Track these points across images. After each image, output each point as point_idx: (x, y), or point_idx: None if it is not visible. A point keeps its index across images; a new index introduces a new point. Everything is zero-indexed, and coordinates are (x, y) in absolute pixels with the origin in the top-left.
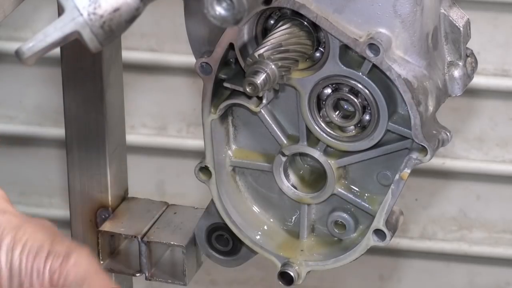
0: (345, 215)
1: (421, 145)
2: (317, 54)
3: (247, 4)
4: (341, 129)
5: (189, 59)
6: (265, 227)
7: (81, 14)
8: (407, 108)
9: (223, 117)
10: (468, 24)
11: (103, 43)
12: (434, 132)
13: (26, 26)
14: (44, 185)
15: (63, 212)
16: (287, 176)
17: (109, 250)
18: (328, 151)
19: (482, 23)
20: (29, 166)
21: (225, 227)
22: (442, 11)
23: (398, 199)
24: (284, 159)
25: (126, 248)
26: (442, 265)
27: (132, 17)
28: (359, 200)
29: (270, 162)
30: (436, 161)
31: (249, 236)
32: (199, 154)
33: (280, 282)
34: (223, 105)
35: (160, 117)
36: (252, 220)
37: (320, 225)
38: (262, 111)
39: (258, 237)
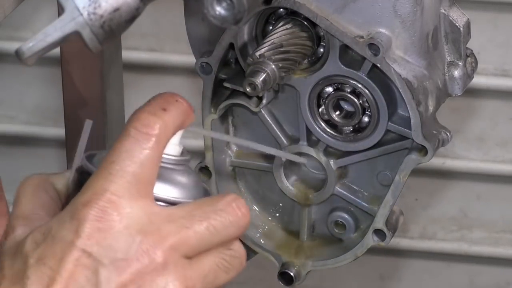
0: (345, 215)
1: (421, 145)
2: (317, 54)
3: (247, 4)
4: (338, 128)
5: (189, 59)
6: (265, 227)
7: (81, 14)
8: (407, 108)
9: (223, 117)
10: (468, 24)
11: (103, 43)
12: (434, 132)
13: (26, 26)
14: None
15: None
16: (287, 176)
17: None
18: (328, 151)
19: (482, 23)
20: (29, 166)
21: None
22: (442, 11)
23: (398, 199)
24: (284, 159)
25: None
26: (442, 265)
27: (132, 17)
28: (359, 200)
29: (270, 162)
30: (436, 161)
31: (249, 236)
32: (199, 154)
33: (280, 282)
34: (223, 105)
35: None
36: (252, 220)
37: (320, 225)
38: (262, 111)
39: (258, 237)
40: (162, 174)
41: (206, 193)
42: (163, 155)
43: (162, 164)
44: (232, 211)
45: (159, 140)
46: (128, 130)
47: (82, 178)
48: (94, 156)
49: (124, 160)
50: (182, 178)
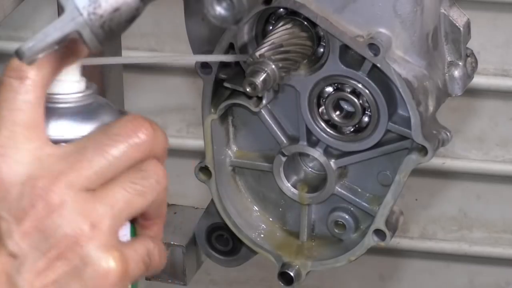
0: (345, 215)
1: (421, 145)
2: (317, 54)
3: (247, 4)
4: (338, 128)
5: None
6: (265, 227)
7: (81, 14)
8: (407, 108)
9: (223, 117)
10: (468, 24)
11: (103, 43)
12: (434, 132)
13: (26, 26)
14: None
15: None
16: (287, 176)
17: None
18: (328, 151)
19: (482, 23)
20: None
21: (225, 227)
22: (442, 11)
23: (398, 199)
24: (284, 159)
25: None
26: (442, 265)
27: (132, 17)
28: (359, 200)
29: (270, 162)
30: (436, 161)
31: (249, 236)
32: (199, 154)
33: (280, 282)
34: (223, 105)
35: (160, 117)
36: (252, 220)
37: (320, 225)
38: (262, 111)
39: (258, 237)
40: (57, 114)
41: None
42: (57, 95)
43: (56, 105)
44: (129, 132)
45: (35, 81)
46: (2, 80)
47: None
48: None
49: (2, 110)
50: (82, 115)
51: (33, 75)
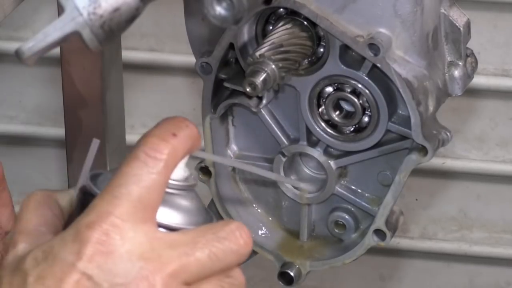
0: (345, 215)
1: (421, 145)
2: (317, 54)
3: (247, 4)
4: (338, 128)
5: (189, 59)
6: (265, 227)
7: (81, 14)
8: (407, 108)
9: (223, 117)
10: (468, 24)
11: (103, 43)
12: (434, 132)
13: (26, 26)
14: (44, 185)
15: None
16: (287, 176)
17: None
18: (328, 151)
19: (482, 23)
20: (28, 166)
21: None
22: (442, 11)
23: (398, 199)
24: (284, 159)
25: None
26: (442, 265)
27: (132, 17)
28: (359, 200)
29: (270, 162)
30: (436, 161)
31: None
32: None
33: (280, 282)
34: (223, 105)
35: (160, 117)
36: (252, 220)
37: (320, 225)
38: (262, 111)
39: (258, 237)
40: (166, 199)
41: (209, 218)
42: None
43: (167, 189)
44: (235, 240)
45: (167, 165)
46: (136, 154)
47: (85, 198)
48: (99, 176)
49: (132, 185)
50: (185, 204)
51: (167, 158)
